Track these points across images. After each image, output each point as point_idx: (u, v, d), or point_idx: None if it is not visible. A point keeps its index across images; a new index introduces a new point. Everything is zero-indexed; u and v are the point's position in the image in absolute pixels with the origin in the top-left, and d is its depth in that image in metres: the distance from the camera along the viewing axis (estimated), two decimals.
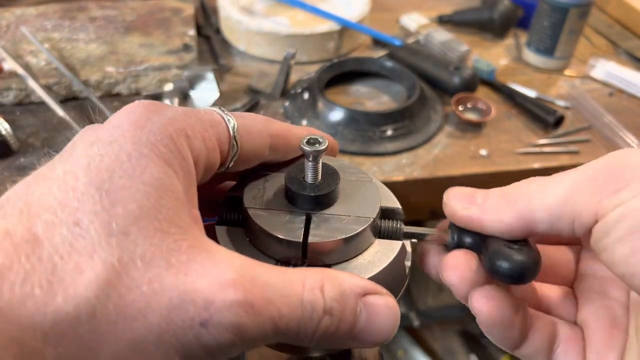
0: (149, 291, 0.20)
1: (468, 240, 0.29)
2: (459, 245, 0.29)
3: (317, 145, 0.28)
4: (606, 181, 0.25)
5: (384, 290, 0.26)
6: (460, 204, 0.28)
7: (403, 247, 0.31)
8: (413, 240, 0.31)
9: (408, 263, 0.32)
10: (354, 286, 0.24)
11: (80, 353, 0.19)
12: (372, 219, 0.29)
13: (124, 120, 0.23)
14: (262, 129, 0.29)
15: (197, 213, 0.24)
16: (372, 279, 0.28)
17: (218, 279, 0.21)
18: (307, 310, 0.22)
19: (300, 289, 0.23)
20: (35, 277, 0.19)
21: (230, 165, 0.28)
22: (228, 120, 0.27)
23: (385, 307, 0.25)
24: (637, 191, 0.24)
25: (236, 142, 0.27)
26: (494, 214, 0.27)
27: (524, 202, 0.26)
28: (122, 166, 0.21)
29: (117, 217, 0.20)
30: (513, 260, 0.26)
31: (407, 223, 0.32)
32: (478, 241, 0.28)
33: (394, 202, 0.32)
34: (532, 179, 0.27)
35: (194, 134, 0.25)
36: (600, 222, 0.25)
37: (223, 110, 0.28)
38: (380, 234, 0.30)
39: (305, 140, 0.28)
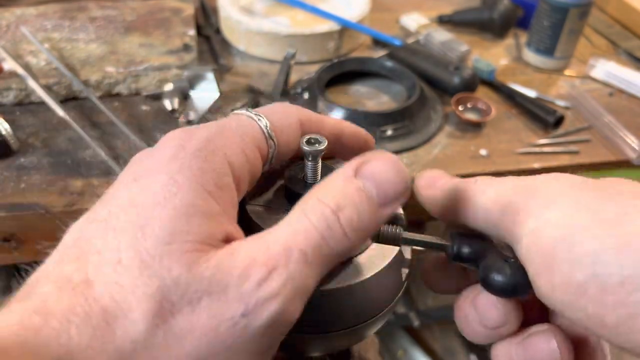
0: (188, 310, 0.21)
1: (467, 249, 0.28)
2: (459, 254, 0.29)
3: (316, 145, 0.28)
4: (517, 205, 0.26)
5: (369, 155, 0.26)
6: (425, 183, 0.31)
7: (400, 253, 0.30)
8: (418, 247, 0.31)
9: (406, 270, 0.31)
10: (341, 176, 0.25)
11: None
12: None
13: (161, 154, 0.25)
14: (293, 121, 0.29)
15: (236, 227, 0.25)
16: (364, 282, 0.28)
17: (239, 272, 0.22)
18: (321, 224, 0.23)
19: (304, 216, 0.24)
20: (94, 318, 0.20)
21: (271, 163, 0.29)
22: (259, 119, 0.27)
23: (379, 163, 0.25)
24: (542, 221, 0.24)
25: (272, 139, 0.28)
26: (434, 200, 0.30)
27: (465, 203, 0.28)
28: (155, 198, 0.23)
29: (150, 247, 0.22)
30: (506, 275, 0.26)
31: (408, 225, 0.32)
32: (477, 250, 0.28)
33: None
34: (480, 180, 0.29)
35: (233, 150, 0.25)
36: (516, 251, 0.25)
37: (250, 111, 0.28)
38: (379, 238, 0.30)
39: (304, 140, 0.28)
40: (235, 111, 0.28)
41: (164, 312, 0.21)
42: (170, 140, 0.25)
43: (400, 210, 0.32)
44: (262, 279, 0.22)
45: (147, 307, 0.21)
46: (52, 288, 0.21)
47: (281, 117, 0.29)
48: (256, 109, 0.29)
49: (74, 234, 0.24)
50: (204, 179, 0.24)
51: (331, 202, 0.24)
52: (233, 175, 0.25)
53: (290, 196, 0.29)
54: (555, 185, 0.25)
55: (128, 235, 0.22)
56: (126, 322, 0.21)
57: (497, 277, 0.26)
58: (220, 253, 0.22)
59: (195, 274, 0.22)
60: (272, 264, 0.22)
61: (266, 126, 0.27)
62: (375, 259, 0.29)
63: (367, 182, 0.25)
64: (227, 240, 0.24)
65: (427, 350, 1.13)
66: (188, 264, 0.22)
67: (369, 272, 0.29)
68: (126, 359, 0.20)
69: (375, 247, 0.30)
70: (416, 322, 1.10)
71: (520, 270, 0.26)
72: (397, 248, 0.30)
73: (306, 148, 0.28)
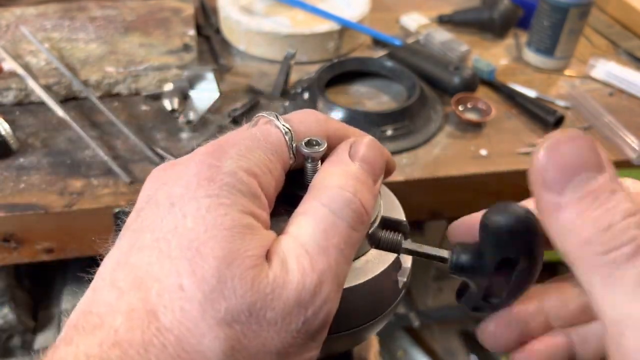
0: (257, 328, 0.22)
1: (468, 263, 0.28)
2: (458, 266, 0.28)
3: (316, 147, 0.27)
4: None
5: (352, 139, 0.28)
6: (550, 199, 0.22)
7: (397, 260, 0.30)
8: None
9: (403, 278, 0.31)
10: (339, 162, 0.27)
11: None
12: None
13: (194, 173, 0.24)
14: (319, 134, 0.29)
15: (274, 235, 0.25)
16: (357, 287, 0.28)
17: (295, 285, 0.23)
18: (346, 213, 0.25)
19: (327, 210, 0.25)
20: (170, 347, 0.21)
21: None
22: (285, 132, 0.27)
23: (364, 145, 0.27)
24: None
25: (294, 154, 0.28)
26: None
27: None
28: (204, 220, 0.23)
29: (211, 270, 0.22)
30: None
31: (409, 224, 0.31)
32: (477, 265, 0.27)
33: (400, 214, 0.32)
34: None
35: (262, 170, 0.25)
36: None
37: (279, 119, 0.28)
38: (380, 244, 0.30)
39: (304, 142, 0.28)
40: (264, 115, 0.28)
41: (236, 333, 0.21)
42: (202, 160, 0.25)
43: (403, 218, 0.32)
44: (317, 286, 0.23)
45: (220, 331, 0.21)
46: (122, 320, 0.21)
47: (308, 129, 0.28)
48: (286, 117, 0.28)
49: (119, 259, 0.23)
50: (244, 200, 0.24)
51: (349, 187, 0.25)
52: (263, 193, 0.25)
53: (289, 197, 0.29)
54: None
55: (185, 260, 0.22)
56: (203, 349, 0.21)
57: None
58: (274, 266, 0.23)
59: (259, 291, 0.22)
60: (318, 268, 0.23)
61: (291, 140, 0.27)
62: (371, 264, 0.29)
63: (362, 163, 0.27)
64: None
65: (427, 350, 1.13)
66: (250, 281, 0.22)
67: (362, 277, 0.28)
68: None
69: (372, 252, 0.30)
70: (416, 323, 1.10)
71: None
72: (394, 255, 0.30)
73: (306, 150, 0.27)
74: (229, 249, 0.22)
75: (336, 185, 0.25)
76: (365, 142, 0.28)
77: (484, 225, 0.25)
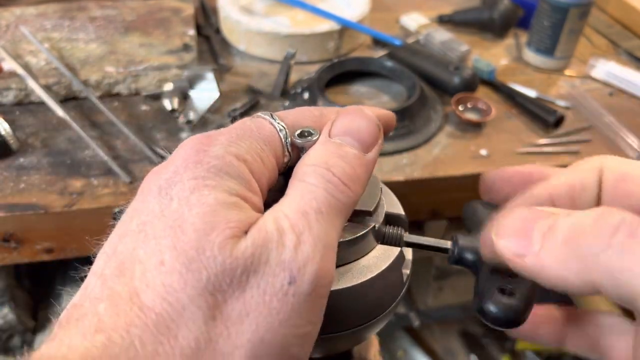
0: (239, 294, 0.22)
1: (469, 255, 0.28)
2: (459, 258, 0.28)
3: (309, 137, 0.28)
4: None
5: (335, 117, 0.28)
6: (513, 246, 0.24)
7: (401, 254, 0.30)
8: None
9: (406, 271, 0.31)
10: (318, 143, 0.27)
11: None
12: (373, 225, 0.29)
13: (183, 158, 0.25)
14: (315, 128, 0.29)
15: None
16: (365, 283, 0.28)
17: (275, 244, 0.22)
18: (321, 181, 0.25)
19: (303, 182, 0.25)
20: (151, 325, 0.21)
21: (283, 170, 0.29)
22: (280, 130, 0.27)
23: (346, 117, 0.27)
24: None
25: (289, 151, 0.27)
26: (556, 270, 0.22)
27: (595, 261, 0.21)
28: (189, 201, 0.23)
29: (191, 242, 0.22)
30: (501, 305, 0.25)
31: (409, 224, 0.32)
32: (478, 254, 0.27)
33: (398, 209, 0.32)
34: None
35: (252, 157, 0.25)
36: None
37: (274, 117, 0.28)
38: (384, 239, 0.30)
39: (297, 133, 0.28)
40: (260, 114, 0.28)
41: (218, 302, 0.21)
42: (191, 146, 0.25)
43: (402, 212, 0.32)
44: (296, 244, 0.23)
45: (201, 301, 0.21)
46: (106, 305, 0.21)
47: (303, 126, 0.28)
48: (280, 115, 0.28)
49: (108, 251, 0.23)
50: (232, 183, 0.24)
51: (320, 162, 0.25)
52: (254, 179, 0.25)
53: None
54: None
55: (168, 237, 0.22)
56: (185, 321, 0.21)
57: (493, 308, 0.25)
58: (252, 232, 0.23)
59: (238, 256, 0.22)
60: (297, 229, 0.23)
61: (286, 137, 0.27)
62: (377, 260, 0.29)
63: (342, 137, 0.26)
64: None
65: (427, 350, 1.13)
66: (229, 249, 0.22)
67: (370, 274, 0.29)
68: (193, 357, 0.21)
69: (378, 248, 0.30)
70: (416, 322, 1.10)
71: (514, 305, 0.25)
72: (399, 249, 0.30)
73: (298, 141, 0.27)
74: (210, 221, 0.22)
75: (310, 163, 0.25)
76: (344, 116, 0.27)
77: (478, 311, 0.26)
